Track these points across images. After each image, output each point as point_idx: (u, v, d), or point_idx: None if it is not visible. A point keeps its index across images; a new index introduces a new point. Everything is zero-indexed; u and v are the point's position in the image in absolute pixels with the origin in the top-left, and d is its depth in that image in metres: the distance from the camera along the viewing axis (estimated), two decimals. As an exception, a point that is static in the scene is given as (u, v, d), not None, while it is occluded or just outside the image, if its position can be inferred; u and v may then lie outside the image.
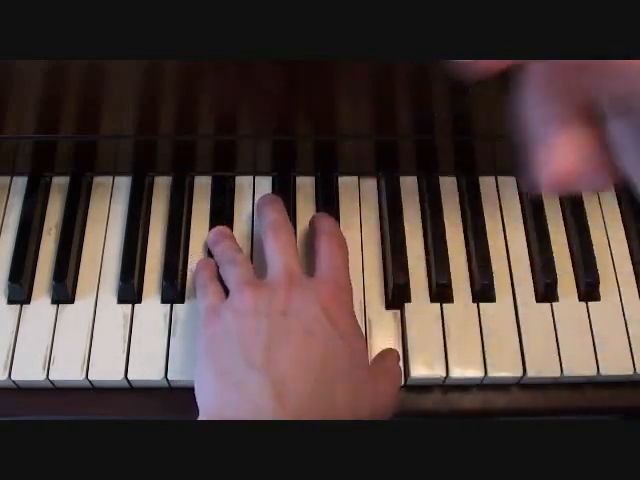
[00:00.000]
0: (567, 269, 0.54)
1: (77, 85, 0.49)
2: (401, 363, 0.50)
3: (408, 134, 0.55)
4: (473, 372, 0.50)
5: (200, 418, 0.43)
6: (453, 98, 0.52)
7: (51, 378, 0.49)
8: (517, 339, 0.51)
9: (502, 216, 0.57)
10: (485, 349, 0.51)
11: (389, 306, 0.53)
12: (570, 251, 0.55)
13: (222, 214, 0.56)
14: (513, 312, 0.52)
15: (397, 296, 0.53)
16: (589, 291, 0.53)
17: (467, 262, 0.54)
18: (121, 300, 0.52)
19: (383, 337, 0.51)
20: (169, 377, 0.49)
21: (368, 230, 0.56)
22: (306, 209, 0.57)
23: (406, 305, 0.52)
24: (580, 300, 0.53)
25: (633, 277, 0.54)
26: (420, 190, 0.58)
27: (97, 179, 0.58)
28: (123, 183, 0.58)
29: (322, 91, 0.50)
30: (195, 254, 0.54)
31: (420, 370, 0.50)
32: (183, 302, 0.52)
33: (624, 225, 0.57)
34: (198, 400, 0.44)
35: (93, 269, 0.54)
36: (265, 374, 0.41)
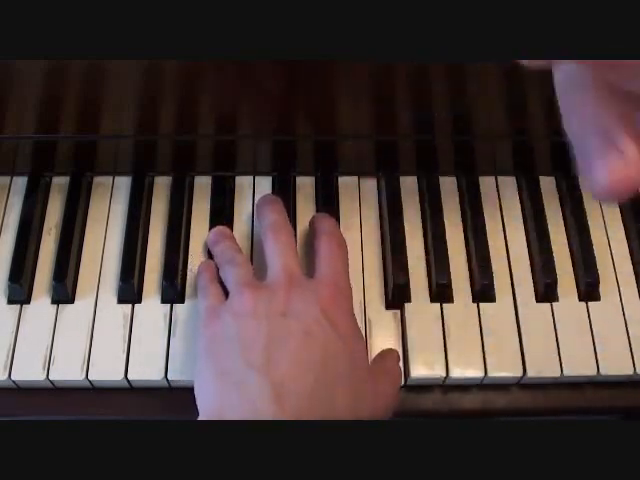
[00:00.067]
0: (567, 269, 0.54)
1: (77, 85, 0.49)
2: (401, 363, 0.50)
3: (408, 134, 0.55)
4: (473, 372, 0.50)
5: (200, 418, 0.43)
6: (453, 98, 0.52)
7: (51, 378, 0.49)
8: (517, 339, 0.51)
9: (502, 216, 0.57)
10: (485, 349, 0.51)
11: (389, 306, 0.53)
12: (570, 251, 0.55)
13: (222, 214, 0.56)
14: (513, 312, 0.52)
15: (397, 296, 0.53)
16: (589, 291, 0.53)
17: (467, 262, 0.54)
18: (121, 300, 0.52)
19: (383, 337, 0.51)
20: (169, 377, 0.49)
21: (368, 230, 0.56)
22: (306, 209, 0.57)
23: (406, 305, 0.52)
24: (580, 300, 0.53)
25: (633, 277, 0.54)
26: (420, 190, 0.58)
27: (97, 179, 0.58)
28: (123, 183, 0.58)
29: (322, 91, 0.50)
30: (195, 254, 0.54)
31: (420, 370, 0.50)
32: (183, 302, 0.52)
33: (624, 225, 0.57)
34: (198, 400, 0.44)
35: (93, 269, 0.54)
36: (264, 375, 0.41)
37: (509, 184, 0.58)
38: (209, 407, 0.43)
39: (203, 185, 0.58)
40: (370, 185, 0.58)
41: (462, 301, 0.53)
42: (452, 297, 0.53)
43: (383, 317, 0.52)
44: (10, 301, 0.52)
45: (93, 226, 0.56)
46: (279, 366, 0.42)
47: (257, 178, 0.58)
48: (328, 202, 0.56)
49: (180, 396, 0.50)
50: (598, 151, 0.27)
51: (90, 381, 0.49)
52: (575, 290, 0.53)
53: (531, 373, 0.50)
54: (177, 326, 0.51)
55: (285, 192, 0.56)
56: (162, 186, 0.58)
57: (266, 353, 0.42)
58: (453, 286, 0.53)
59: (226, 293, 0.49)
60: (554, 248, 0.54)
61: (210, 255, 0.53)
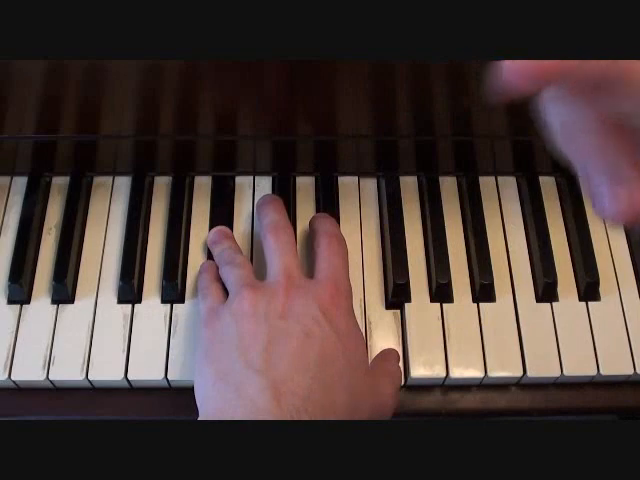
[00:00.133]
0: (567, 269, 0.54)
1: (77, 85, 0.49)
2: (401, 363, 0.50)
3: (408, 134, 0.55)
4: (473, 372, 0.50)
5: (200, 418, 0.43)
6: (453, 98, 0.52)
7: (51, 378, 0.49)
8: (517, 339, 0.51)
9: (502, 216, 0.57)
10: (485, 349, 0.51)
11: (389, 306, 0.53)
12: (570, 251, 0.55)
13: (222, 214, 0.56)
14: (513, 312, 0.52)
15: (397, 296, 0.53)
16: (589, 291, 0.53)
17: (467, 262, 0.55)
18: (121, 300, 0.52)
19: (383, 337, 0.52)
20: (169, 377, 0.49)
21: (368, 230, 0.56)
22: (306, 209, 0.57)
23: (406, 305, 0.52)
24: (580, 300, 0.53)
25: (633, 277, 0.54)
26: (420, 190, 0.58)
27: (97, 179, 0.58)
28: (123, 183, 0.58)
29: (322, 91, 0.50)
30: (195, 254, 0.54)
31: (420, 370, 0.50)
32: (183, 302, 0.52)
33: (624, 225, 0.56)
34: (197, 401, 0.44)
35: (93, 269, 0.54)
36: (264, 375, 0.41)
37: (509, 184, 0.58)
38: (209, 407, 0.43)
39: (203, 185, 0.58)
40: (370, 185, 0.58)
41: (462, 301, 0.53)
42: (452, 297, 0.53)
43: (383, 317, 0.52)
44: (10, 301, 0.52)
45: (93, 226, 0.56)
46: (278, 366, 0.42)
47: (257, 178, 0.58)
48: (328, 202, 0.56)
49: (180, 396, 0.50)
50: (604, 183, 0.27)
51: (90, 381, 0.49)
52: (575, 290, 0.53)
53: (531, 373, 0.50)
54: (177, 326, 0.51)
55: (285, 192, 0.56)
56: (162, 186, 0.58)
57: (265, 353, 0.42)
58: (453, 286, 0.53)
59: (227, 293, 0.49)
60: (554, 248, 0.54)
61: (210, 255, 0.53)
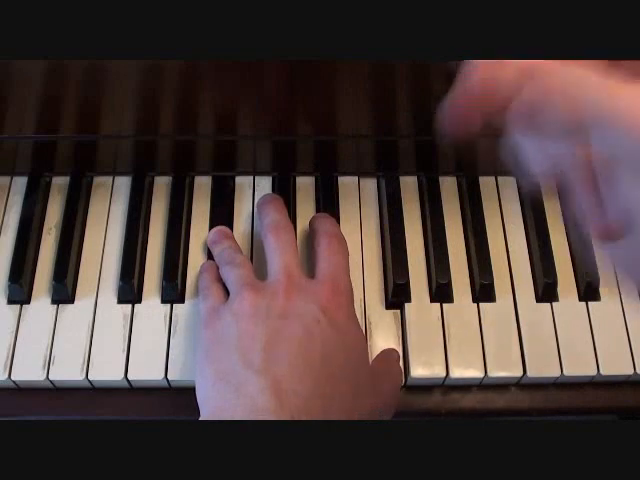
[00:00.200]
0: (567, 269, 0.54)
1: (77, 85, 0.49)
2: (401, 363, 0.50)
3: (408, 134, 0.55)
4: (473, 372, 0.50)
5: (201, 418, 0.43)
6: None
7: (51, 378, 0.49)
8: (517, 339, 0.51)
9: (502, 216, 0.57)
10: (485, 349, 0.51)
11: (389, 306, 0.53)
12: (570, 251, 0.55)
13: (222, 214, 0.56)
14: (513, 312, 0.52)
15: (397, 296, 0.53)
16: (589, 291, 0.53)
17: (467, 262, 0.55)
18: (121, 300, 0.52)
19: (383, 337, 0.52)
20: (169, 377, 0.49)
21: (368, 230, 0.56)
22: (306, 209, 0.57)
23: (406, 305, 0.52)
24: (580, 300, 0.53)
25: (633, 277, 0.54)
26: (420, 190, 0.58)
27: (97, 179, 0.58)
28: (123, 183, 0.58)
29: (322, 91, 0.50)
30: (195, 254, 0.54)
31: (420, 370, 0.50)
32: (183, 302, 0.52)
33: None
34: (198, 401, 0.44)
35: (93, 269, 0.54)
36: (264, 375, 0.41)
37: (509, 184, 0.58)
38: (209, 407, 0.43)
39: (203, 185, 0.58)
40: (370, 185, 0.58)
41: (462, 301, 0.53)
42: (452, 297, 0.53)
43: (383, 317, 0.52)
44: (10, 301, 0.52)
45: (93, 226, 0.56)
46: (278, 366, 0.42)
47: (257, 178, 0.58)
48: (328, 202, 0.56)
49: (180, 396, 0.50)
50: (587, 212, 0.32)
51: (90, 381, 0.49)
52: (575, 290, 0.53)
53: (531, 373, 0.50)
54: (177, 326, 0.51)
55: (285, 192, 0.56)
56: (162, 186, 0.58)
57: (265, 353, 0.42)
58: (453, 286, 0.53)
59: (228, 294, 0.49)
60: (554, 248, 0.54)
61: (210, 255, 0.53)
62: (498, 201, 0.57)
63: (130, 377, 0.49)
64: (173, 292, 0.52)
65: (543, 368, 0.50)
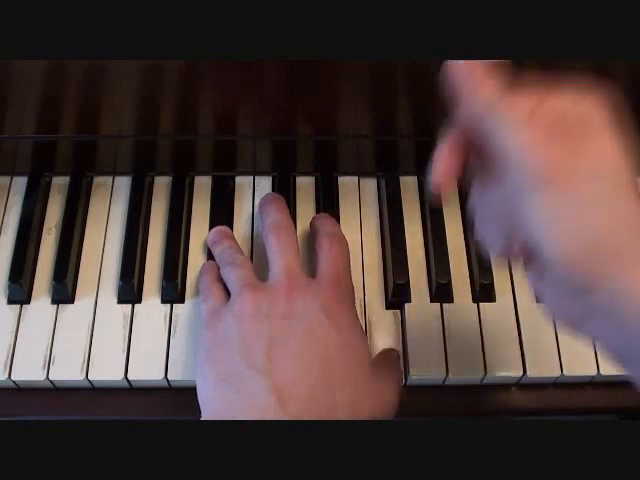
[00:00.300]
0: (567, 269, 0.54)
1: (77, 85, 0.49)
2: (401, 363, 0.50)
3: (408, 134, 0.55)
4: (473, 372, 0.50)
5: (202, 419, 0.42)
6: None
7: (51, 378, 0.49)
8: (517, 339, 0.51)
9: (502, 216, 0.57)
10: (485, 349, 0.51)
11: (389, 306, 0.53)
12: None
13: (222, 214, 0.56)
14: (513, 312, 0.52)
15: (397, 296, 0.53)
16: (589, 291, 0.53)
17: (467, 262, 0.54)
18: (121, 300, 0.52)
19: (383, 337, 0.51)
20: (169, 377, 0.49)
21: (368, 230, 0.56)
22: (306, 209, 0.57)
23: (406, 305, 0.52)
24: (580, 300, 0.53)
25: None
26: (420, 190, 0.58)
27: (97, 179, 0.58)
28: (123, 183, 0.58)
29: (322, 91, 0.50)
30: (195, 254, 0.54)
31: (420, 370, 0.50)
32: (183, 302, 0.52)
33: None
34: (200, 402, 0.44)
35: (93, 269, 0.54)
36: (266, 376, 0.41)
37: (509, 184, 0.58)
38: (211, 408, 0.43)
39: (203, 185, 0.58)
40: (370, 185, 0.58)
41: (462, 301, 0.53)
42: (452, 297, 0.53)
43: (383, 317, 0.52)
44: (10, 301, 0.52)
45: (93, 226, 0.56)
46: (280, 367, 0.41)
47: (257, 178, 0.58)
48: (328, 202, 0.56)
49: (180, 396, 0.50)
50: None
51: (90, 381, 0.49)
52: (575, 290, 0.53)
53: (531, 373, 0.50)
54: (177, 326, 0.51)
55: (285, 192, 0.56)
56: (162, 186, 0.58)
57: (267, 354, 0.42)
58: (453, 286, 0.53)
59: (228, 294, 0.49)
60: (554, 248, 0.54)
61: (211, 255, 0.53)
62: (498, 201, 0.57)
63: (130, 377, 0.49)
64: (173, 292, 0.52)
65: (543, 368, 0.50)
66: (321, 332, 0.43)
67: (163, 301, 0.52)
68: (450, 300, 0.53)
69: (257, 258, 0.54)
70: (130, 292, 0.52)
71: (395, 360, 0.50)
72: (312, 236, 0.52)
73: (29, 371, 0.49)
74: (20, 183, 0.57)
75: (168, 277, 0.52)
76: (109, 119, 0.52)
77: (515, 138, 0.32)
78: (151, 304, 0.52)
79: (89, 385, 0.50)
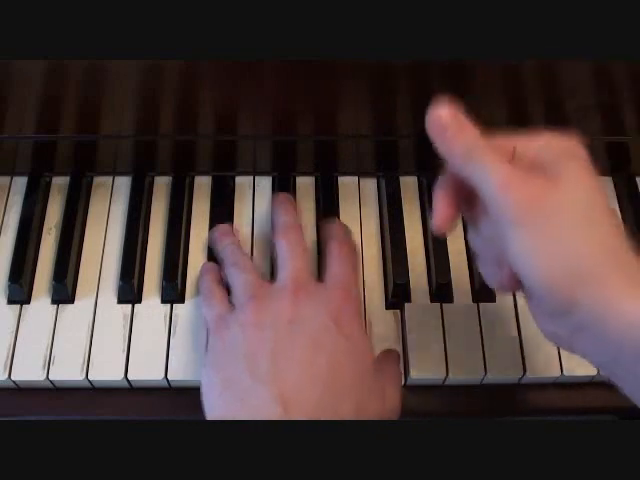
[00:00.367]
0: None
1: (77, 85, 0.49)
2: (401, 363, 0.50)
3: (408, 134, 0.55)
4: (473, 372, 0.50)
5: None
6: (453, 97, 0.51)
7: (51, 378, 0.49)
8: (517, 339, 0.51)
9: (502, 216, 0.57)
10: (485, 349, 0.51)
11: (389, 306, 0.53)
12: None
13: (222, 214, 0.56)
14: (513, 312, 0.52)
15: (397, 296, 0.53)
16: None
17: (467, 262, 0.54)
18: (121, 300, 0.52)
19: (383, 337, 0.51)
20: (169, 377, 0.49)
21: (368, 230, 0.56)
22: (306, 209, 0.57)
23: (406, 305, 0.52)
24: (580, 300, 0.53)
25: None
26: (420, 190, 0.58)
27: (97, 179, 0.58)
28: (123, 183, 0.58)
29: (322, 91, 0.50)
30: (195, 254, 0.54)
31: (420, 370, 0.50)
32: (183, 302, 0.52)
33: (624, 224, 0.57)
34: (205, 410, 0.43)
35: (93, 269, 0.54)
36: (270, 386, 0.40)
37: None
38: (215, 416, 0.42)
39: (203, 185, 0.58)
40: (370, 185, 0.58)
41: (462, 301, 0.53)
42: (452, 297, 0.53)
43: (383, 317, 0.52)
44: (10, 301, 0.52)
45: (93, 226, 0.56)
46: (285, 377, 0.41)
47: (257, 178, 0.58)
48: (328, 202, 0.56)
49: (180, 396, 0.50)
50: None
51: (90, 381, 0.49)
52: (575, 290, 0.53)
53: (531, 373, 0.50)
54: (177, 326, 0.51)
55: (285, 192, 0.56)
56: (162, 186, 0.58)
57: (272, 364, 0.41)
58: (453, 286, 0.53)
59: (230, 294, 0.49)
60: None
61: (211, 254, 0.53)
62: (498, 201, 0.57)
63: (130, 377, 0.49)
64: (173, 292, 0.52)
65: (543, 368, 0.50)
66: (328, 339, 0.43)
67: (163, 301, 0.52)
68: (450, 300, 0.53)
69: (257, 257, 0.54)
70: (130, 292, 0.52)
71: (396, 362, 0.49)
72: (322, 241, 0.52)
73: (29, 371, 0.49)
74: (20, 183, 0.57)
75: (168, 277, 0.52)
76: (109, 119, 0.52)
77: (492, 180, 0.36)
78: (151, 304, 0.52)
79: (89, 385, 0.50)
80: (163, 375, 0.49)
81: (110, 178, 0.58)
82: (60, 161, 0.57)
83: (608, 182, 0.59)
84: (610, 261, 0.35)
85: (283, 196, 0.54)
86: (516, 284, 0.39)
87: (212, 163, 0.57)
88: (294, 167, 0.58)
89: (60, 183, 0.57)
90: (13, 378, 0.49)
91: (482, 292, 0.52)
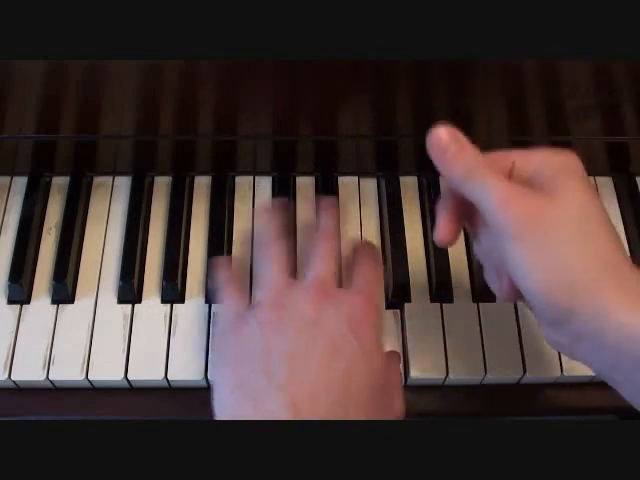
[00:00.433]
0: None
1: (77, 85, 0.49)
2: (401, 364, 0.50)
3: (408, 134, 0.55)
4: (473, 372, 0.50)
5: None
6: (453, 97, 0.52)
7: (51, 378, 0.49)
8: (517, 339, 0.51)
9: (502, 216, 0.57)
10: (485, 349, 0.51)
11: (389, 306, 0.53)
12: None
13: (222, 214, 0.56)
14: (513, 312, 0.52)
15: (397, 296, 0.53)
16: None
17: (467, 262, 0.54)
18: (121, 300, 0.52)
19: (383, 337, 0.51)
20: (169, 377, 0.49)
21: (368, 230, 0.56)
22: (306, 209, 0.57)
23: (406, 305, 0.52)
24: (580, 300, 0.53)
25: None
26: (420, 190, 0.58)
27: (97, 179, 0.58)
28: (123, 183, 0.58)
29: (322, 91, 0.50)
30: (195, 254, 0.54)
31: (420, 370, 0.50)
32: (183, 302, 0.52)
33: (624, 224, 0.57)
34: (215, 406, 0.43)
35: (93, 269, 0.54)
36: (284, 390, 0.40)
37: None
38: (225, 415, 0.42)
39: (203, 185, 0.58)
40: (370, 185, 0.58)
41: (462, 301, 0.53)
42: (452, 297, 0.53)
43: (383, 317, 0.52)
44: (10, 301, 0.52)
45: (93, 226, 0.56)
46: (300, 382, 0.40)
47: (257, 178, 0.58)
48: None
49: (180, 396, 0.50)
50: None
51: (90, 381, 0.49)
52: (575, 290, 0.53)
53: (531, 373, 0.50)
54: (177, 326, 0.51)
55: (285, 192, 0.56)
56: (162, 186, 0.58)
57: (288, 365, 0.41)
58: (453, 286, 0.53)
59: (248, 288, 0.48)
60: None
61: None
62: (498, 201, 0.57)
63: (130, 377, 0.49)
64: (173, 292, 0.52)
65: (543, 368, 0.50)
66: (346, 348, 0.42)
67: (163, 301, 0.52)
68: (450, 300, 0.53)
69: (257, 258, 0.54)
70: (130, 292, 0.52)
71: (396, 364, 0.49)
72: (350, 250, 0.50)
73: (29, 371, 0.49)
74: (20, 183, 0.57)
75: (168, 277, 0.52)
76: (109, 119, 0.52)
77: (492, 198, 0.37)
78: (151, 304, 0.52)
79: (89, 385, 0.50)
80: (163, 375, 0.49)
81: (110, 178, 0.58)
82: (60, 161, 0.57)
83: (608, 182, 0.59)
84: (606, 275, 0.36)
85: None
86: (516, 294, 0.40)
87: (212, 163, 0.57)
88: (294, 167, 0.58)
89: (60, 183, 0.57)
90: (13, 378, 0.49)
91: (482, 292, 0.52)
